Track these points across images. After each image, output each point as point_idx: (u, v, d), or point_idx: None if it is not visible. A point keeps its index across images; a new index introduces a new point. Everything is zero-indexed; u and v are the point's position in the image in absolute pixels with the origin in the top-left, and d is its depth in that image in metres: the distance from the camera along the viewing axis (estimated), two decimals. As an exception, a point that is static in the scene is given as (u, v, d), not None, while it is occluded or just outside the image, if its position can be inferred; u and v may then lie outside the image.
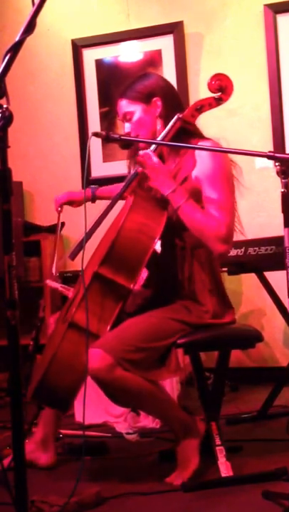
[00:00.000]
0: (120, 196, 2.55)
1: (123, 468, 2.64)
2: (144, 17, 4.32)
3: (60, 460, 2.68)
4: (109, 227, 2.53)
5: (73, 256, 2.62)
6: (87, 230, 2.53)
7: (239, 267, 3.29)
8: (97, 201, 2.87)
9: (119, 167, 4.15)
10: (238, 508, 2.20)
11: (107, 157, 4.38)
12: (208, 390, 2.61)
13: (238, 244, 3.23)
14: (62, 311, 2.61)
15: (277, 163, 1.99)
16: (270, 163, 2.78)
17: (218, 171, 2.45)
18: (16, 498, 1.54)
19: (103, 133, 2.37)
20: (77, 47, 4.45)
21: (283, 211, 1.98)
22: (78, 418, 2.98)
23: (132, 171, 2.57)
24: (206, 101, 2.52)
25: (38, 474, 2.55)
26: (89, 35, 4.42)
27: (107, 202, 2.60)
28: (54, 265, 2.81)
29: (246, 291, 4.12)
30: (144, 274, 2.52)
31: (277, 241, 3.13)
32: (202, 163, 2.46)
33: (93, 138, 2.36)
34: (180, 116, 2.49)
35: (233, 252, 3.25)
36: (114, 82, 4.32)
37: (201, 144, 2.47)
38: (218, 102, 2.52)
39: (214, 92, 2.51)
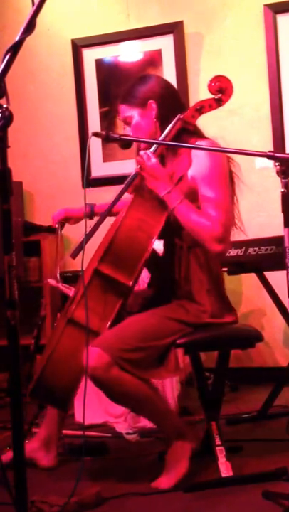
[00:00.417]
0: (121, 196, 2.55)
1: (123, 468, 2.64)
2: (144, 17, 4.32)
3: (60, 460, 2.68)
4: (110, 226, 2.53)
5: (74, 255, 2.63)
6: (88, 231, 2.54)
7: (239, 266, 3.29)
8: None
9: (119, 167, 4.18)
10: (238, 508, 2.20)
11: (107, 157, 4.38)
12: (208, 390, 2.61)
13: (238, 244, 3.23)
14: (64, 309, 2.62)
15: (277, 163, 1.99)
16: (270, 163, 2.78)
17: (215, 169, 2.44)
18: (16, 498, 1.54)
19: (103, 133, 2.38)
20: (77, 47, 4.45)
21: (283, 211, 1.98)
22: (78, 418, 2.97)
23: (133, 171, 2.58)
24: (207, 102, 2.52)
25: (38, 474, 2.56)
26: (89, 35, 4.42)
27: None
28: (57, 269, 2.83)
29: (246, 291, 4.12)
30: (146, 274, 2.53)
31: (277, 241, 3.13)
32: (198, 162, 2.46)
33: (93, 138, 2.37)
34: (181, 116, 2.50)
35: (233, 252, 3.25)
36: (114, 82, 4.32)
37: (199, 143, 2.47)
38: (219, 103, 2.52)
39: (214, 94, 2.51)
